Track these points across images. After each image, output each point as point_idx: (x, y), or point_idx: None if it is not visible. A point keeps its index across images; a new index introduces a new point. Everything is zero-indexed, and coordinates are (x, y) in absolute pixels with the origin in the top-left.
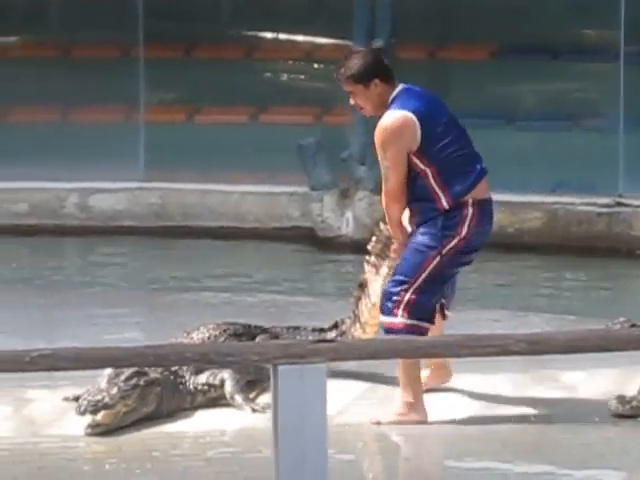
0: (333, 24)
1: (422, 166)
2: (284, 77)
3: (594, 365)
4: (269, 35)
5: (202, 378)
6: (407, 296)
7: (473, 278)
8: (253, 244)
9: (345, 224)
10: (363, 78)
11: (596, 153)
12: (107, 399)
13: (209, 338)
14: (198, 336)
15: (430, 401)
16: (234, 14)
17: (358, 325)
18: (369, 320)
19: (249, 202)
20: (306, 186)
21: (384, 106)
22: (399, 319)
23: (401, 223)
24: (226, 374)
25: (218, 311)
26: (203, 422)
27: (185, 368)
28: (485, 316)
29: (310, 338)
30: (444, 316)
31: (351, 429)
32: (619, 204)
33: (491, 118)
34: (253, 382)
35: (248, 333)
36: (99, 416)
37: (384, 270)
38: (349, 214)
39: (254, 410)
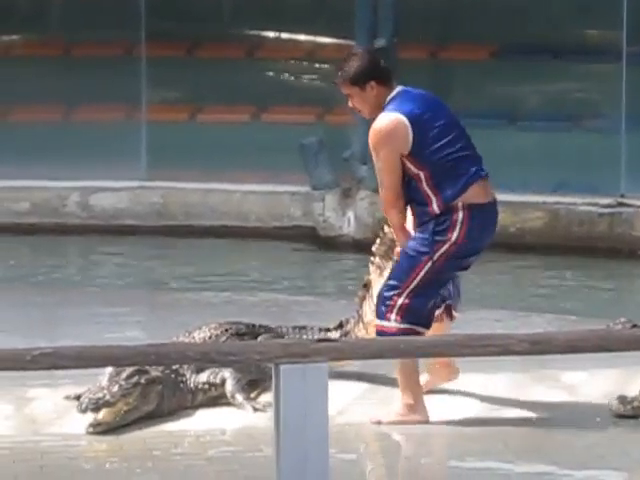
0: (335, 24)
1: (415, 170)
2: (286, 76)
3: (595, 365)
4: (271, 34)
5: (203, 377)
6: (400, 300)
7: (474, 278)
8: (255, 243)
9: (347, 223)
10: (359, 80)
11: (598, 153)
12: (108, 397)
13: (210, 338)
14: (199, 335)
15: (431, 401)
16: (236, 13)
17: (361, 325)
18: (372, 321)
19: (251, 201)
20: (308, 185)
21: (381, 108)
22: (392, 323)
23: (403, 226)
24: (227, 373)
25: (219, 310)
26: (204, 421)
27: (186, 367)
28: (486, 316)
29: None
30: (451, 317)
31: (352, 429)
32: (621, 204)
33: (493, 118)
34: (254, 381)
35: (252, 333)
36: (100, 414)
37: (388, 272)
38: (351, 213)
39: (255, 409)
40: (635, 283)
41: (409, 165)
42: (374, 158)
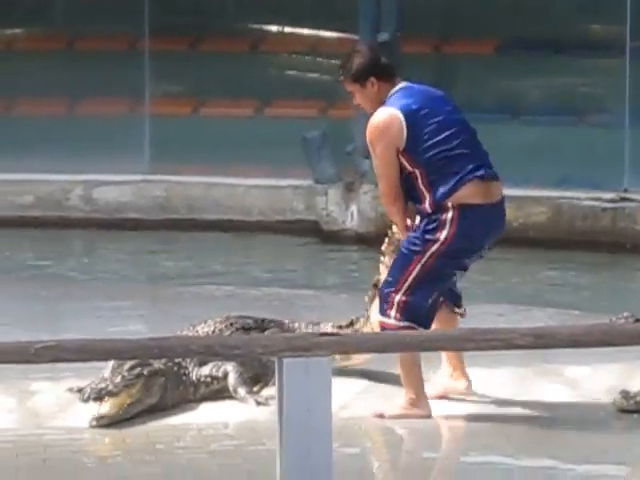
0: (338, 18)
1: (410, 167)
2: (289, 70)
3: (598, 360)
4: (275, 29)
5: (205, 370)
6: (397, 297)
7: (477, 272)
8: (258, 237)
9: (350, 217)
10: (359, 77)
11: (601, 148)
12: (111, 387)
13: (214, 332)
14: (204, 329)
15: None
16: (240, 7)
17: (369, 324)
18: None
19: (254, 195)
20: (311, 179)
21: (382, 104)
22: (392, 320)
23: (403, 222)
24: (230, 367)
25: (222, 304)
26: (207, 415)
27: (189, 360)
28: (489, 310)
29: None
30: (460, 314)
31: (355, 423)
32: (624, 199)
33: (496, 113)
34: (257, 376)
35: (260, 327)
36: (104, 407)
37: None
38: (354, 207)
39: (258, 403)
40: (638, 278)
41: (405, 162)
42: (371, 153)
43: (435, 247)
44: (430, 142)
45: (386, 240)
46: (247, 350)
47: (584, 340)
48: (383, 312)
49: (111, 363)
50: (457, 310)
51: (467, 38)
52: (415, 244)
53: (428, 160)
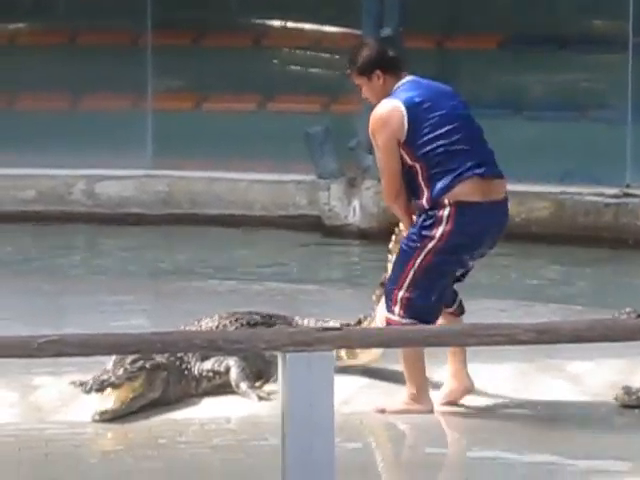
0: (341, 13)
1: (410, 161)
2: (292, 65)
3: (600, 355)
4: (277, 23)
5: (208, 364)
6: (400, 294)
7: (479, 268)
8: (260, 232)
9: (352, 213)
10: (365, 70)
11: (604, 144)
12: (113, 378)
13: (217, 327)
14: (207, 325)
15: (436, 391)
16: (242, 2)
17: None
18: None
19: (256, 190)
20: (313, 174)
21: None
22: (396, 317)
23: (406, 215)
24: (232, 361)
25: (224, 299)
26: (209, 409)
27: (191, 354)
28: (491, 305)
29: None
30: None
31: (357, 418)
32: (626, 195)
33: (499, 108)
34: (259, 371)
35: (266, 323)
36: (106, 401)
37: None
38: (356, 203)
39: (260, 398)
40: None
41: (405, 156)
42: (374, 144)
43: (432, 243)
44: (430, 135)
45: (393, 238)
46: (250, 345)
47: (587, 335)
48: (388, 308)
49: (113, 357)
50: (447, 310)
51: (470, 33)
52: (413, 240)
53: (427, 154)
